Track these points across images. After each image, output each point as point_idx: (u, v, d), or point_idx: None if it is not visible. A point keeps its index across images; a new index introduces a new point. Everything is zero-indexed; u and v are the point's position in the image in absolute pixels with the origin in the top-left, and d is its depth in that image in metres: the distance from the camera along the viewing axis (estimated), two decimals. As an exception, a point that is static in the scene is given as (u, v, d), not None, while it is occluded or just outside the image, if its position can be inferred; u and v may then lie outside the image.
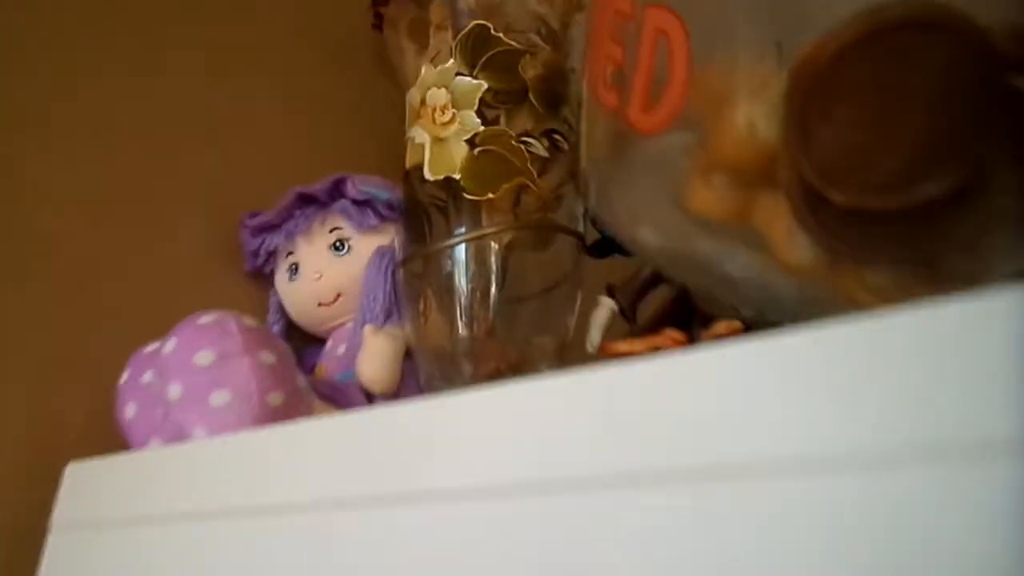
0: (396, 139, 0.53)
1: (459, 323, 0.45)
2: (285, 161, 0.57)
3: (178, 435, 0.36)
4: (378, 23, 0.63)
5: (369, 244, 0.49)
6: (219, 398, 0.34)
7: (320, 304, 0.49)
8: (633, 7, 0.20)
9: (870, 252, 0.21)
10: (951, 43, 0.20)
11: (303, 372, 0.40)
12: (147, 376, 0.39)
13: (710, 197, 0.20)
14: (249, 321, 0.37)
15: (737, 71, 0.21)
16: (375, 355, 0.43)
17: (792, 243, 0.20)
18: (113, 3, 0.51)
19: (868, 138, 0.20)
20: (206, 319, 0.36)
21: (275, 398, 0.36)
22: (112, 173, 0.49)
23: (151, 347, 0.41)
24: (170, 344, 0.36)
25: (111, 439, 0.40)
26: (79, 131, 0.48)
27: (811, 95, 0.20)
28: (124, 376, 0.40)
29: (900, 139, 0.20)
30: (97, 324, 0.46)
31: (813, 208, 0.21)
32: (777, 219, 0.21)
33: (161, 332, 0.42)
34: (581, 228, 0.48)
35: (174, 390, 0.35)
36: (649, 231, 0.23)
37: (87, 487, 0.38)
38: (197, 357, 0.35)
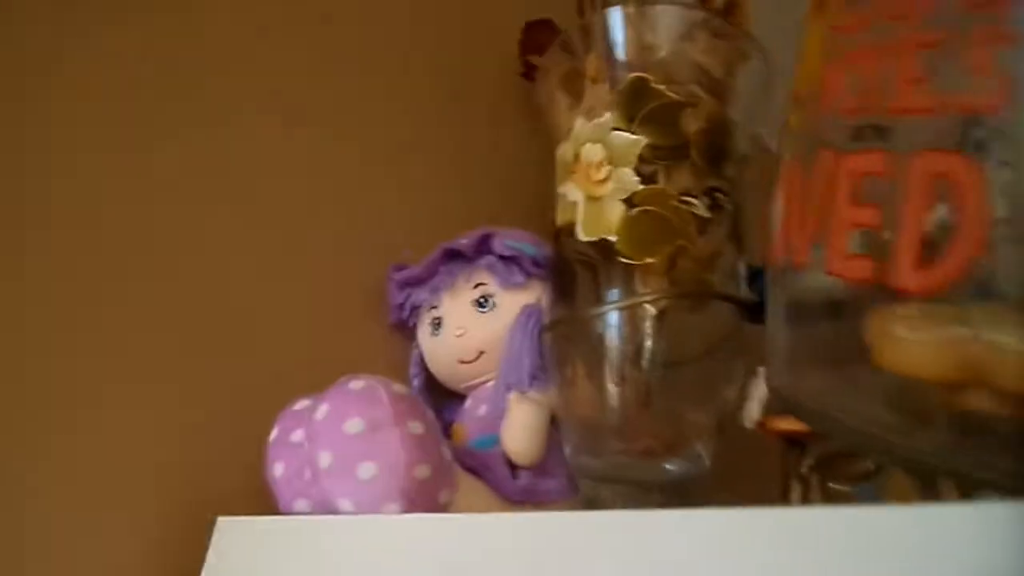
0: (541, 191, 0.51)
1: (609, 393, 0.42)
2: (431, 214, 0.57)
3: (324, 502, 0.35)
4: (527, 72, 0.63)
5: (514, 301, 0.48)
6: (367, 471, 0.33)
7: (461, 361, 0.48)
8: (889, 162, 0.18)
9: None
10: None
11: (443, 433, 0.38)
12: (296, 436, 0.38)
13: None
14: (399, 388, 0.36)
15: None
16: (521, 426, 0.41)
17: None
18: (255, 60, 0.53)
19: None
20: (357, 385, 0.35)
21: (422, 471, 0.34)
22: (266, 225, 0.51)
23: (300, 405, 0.40)
24: (321, 410, 0.35)
25: (262, 495, 0.40)
26: (239, 193, 0.50)
27: None
28: (274, 433, 0.40)
29: None
30: (249, 376, 0.47)
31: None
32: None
33: (309, 384, 0.42)
34: (741, 291, 0.44)
35: (324, 458, 0.34)
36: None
37: (237, 544, 0.38)
38: (347, 425, 0.34)
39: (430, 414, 0.36)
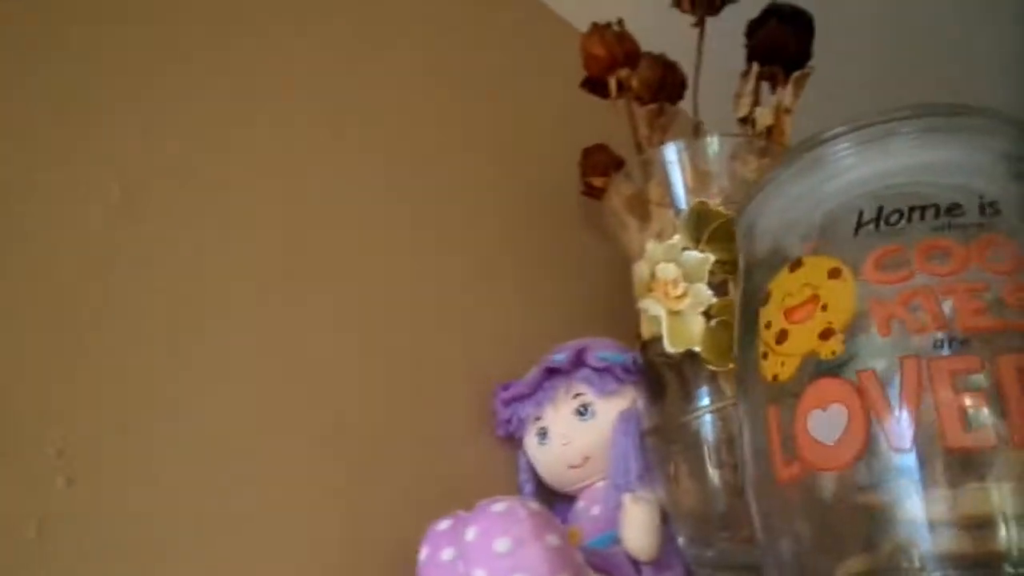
0: (617, 299, 0.57)
1: (711, 487, 0.47)
2: (521, 331, 0.64)
3: (481, 614, 0.40)
4: (589, 192, 0.70)
5: (610, 407, 0.53)
6: (519, 583, 0.39)
7: (570, 467, 0.53)
8: (980, 359, 0.24)
9: None
10: None
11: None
12: (446, 554, 0.44)
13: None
14: (534, 506, 0.42)
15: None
16: (639, 524, 0.46)
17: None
18: (360, 204, 0.60)
19: None
20: (499, 507, 0.41)
21: (564, 578, 0.39)
22: (389, 357, 0.57)
23: (443, 525, 0.46)
24: (471, 531, 0.41)
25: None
26: (351, 315, 0.56)
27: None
28: (424, 553, 0.45)
29: None
30: (379, 495, 0.53)
31: None
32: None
33: (436, 500, 0.47)
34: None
35: (479, 575, 0.39)
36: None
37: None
38: (496, 544, 0.39)
39: (562, 526, 0.42)
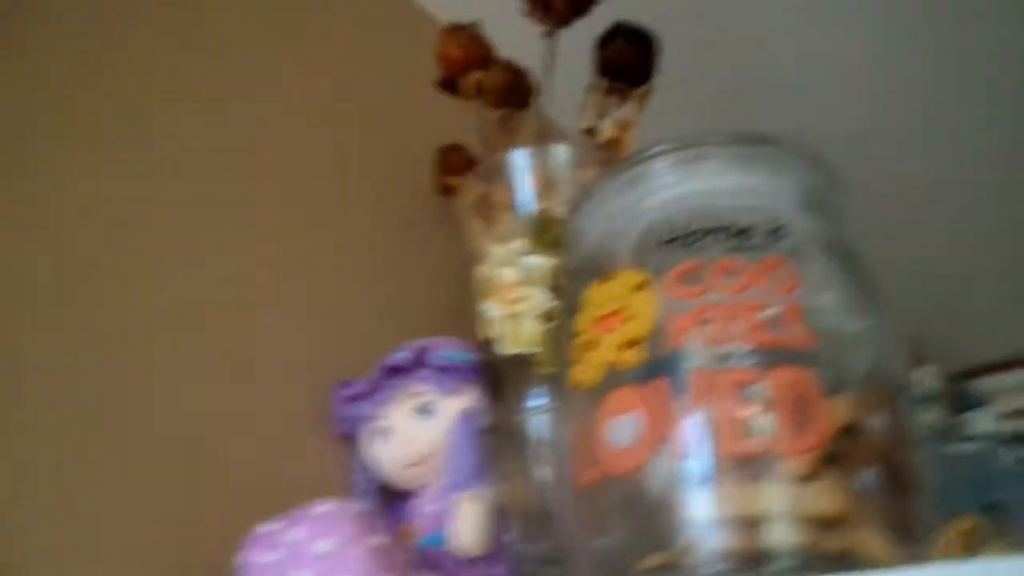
0: (468, 297, 0.58)
1: (539, 485, 0.49)
2: (366, 329, 0.63)
3: (301, 617, 0.40)
4: (443, 190, 0.70)
5: (451, 406, 0.54)
6: (340, 585, 0.38)
7: (408, 466, 0.54)
8: (757, 372, 0.27)
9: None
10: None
11: (396, 534, 0.43)
12: (269, 557, 0.43)
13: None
14: (359, 507, 0.41)
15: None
16: (468, 522, 0.47)
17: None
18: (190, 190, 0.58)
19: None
20: (322, 509, 0.40)
21: (386, 578, 0.39)
22: (218, 348, 0.55)
23: (267, 528, 0.45)
24: (293, 534, 0.40)
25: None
26: (185, 321, 0.54)
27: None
28: (243, 557, 0.44)
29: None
30: (205, 496, 0.51)
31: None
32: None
33: (264, 502, 0.46)
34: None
35: (300, 579, 0.39)
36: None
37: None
38: (318, 547, 0.39)
39: (389, 527, 0.42)
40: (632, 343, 0.31)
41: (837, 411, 0.29)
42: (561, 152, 0.55)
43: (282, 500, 0.47)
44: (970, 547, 0.39)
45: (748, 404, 0.28)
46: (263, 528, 0.45)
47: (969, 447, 0.50)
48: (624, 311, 0.32)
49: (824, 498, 0.27)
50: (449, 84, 0.60)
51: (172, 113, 0.58)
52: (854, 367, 0.31)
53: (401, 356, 0.55)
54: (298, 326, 0.60)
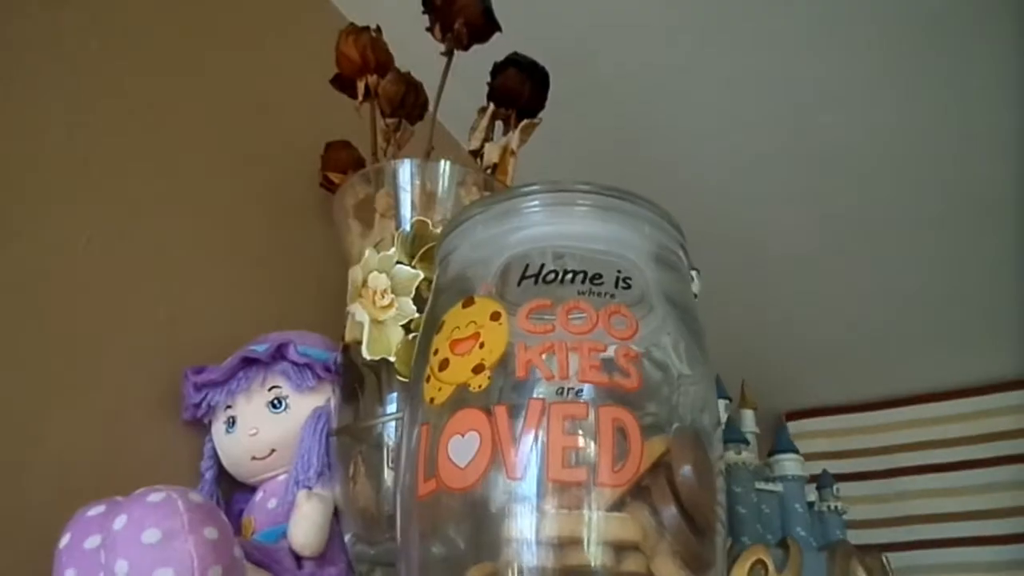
0: (338, 293, 0.58)
1: (384, 489, 0.50)
2: (229, 316, 0.62)
3: (119, 606, 0.39)
4: (326, 184, 0.70)
5: (306, 403, 0.54)
6: (162, 574, 0.38)
7: (254, 457, 0.53)
8: (587, 408, 0.30)
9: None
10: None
11: (234, 524, 0.43)
12: (91, 542, 0.41)
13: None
14: (195, 497, 0.41)
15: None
16: (307, 521, 0.47)
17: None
18: (70, 158, 0.55)
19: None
20: (155, 497, 0.40)
21: (215, 571, 0.39)
22: (60, 322, 0.53)
23: (93, 511, 0.43)
24: (120, 520, 0.39)
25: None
26: (32, 291, 0.52)
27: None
28: (65, 539, 0.42)
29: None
30: (38, 475, 0.49)
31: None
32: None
33: (101, 485, 0.45)
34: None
35: (121, 566, 0.38)
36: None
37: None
38: (145, 535, 0.38)
39: (223, 519, 0.42)
40: (481, 368, 0.33)
41: (653, 449, 0.33)
42: (445, 169, 0.56)
43: (121, 484, 0.46)
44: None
45: (575, 436, 0.31)
46: (89, 511, 0.43)
47: (775, 486, 0.56)
48: (478, 337, 0.34)
49: (627, 527, 0.31)
50: (345, 83, 0.61)
51: (64, 85, 0.55)
52: (678, 410, 0.35)
53: (260, 348, 0.54)
54: (154, 306, 0.58)
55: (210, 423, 0.56)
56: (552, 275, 0.35)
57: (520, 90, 0.58)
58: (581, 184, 0.38)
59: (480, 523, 0.32)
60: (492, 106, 0.59)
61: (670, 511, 0.31)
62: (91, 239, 0.55)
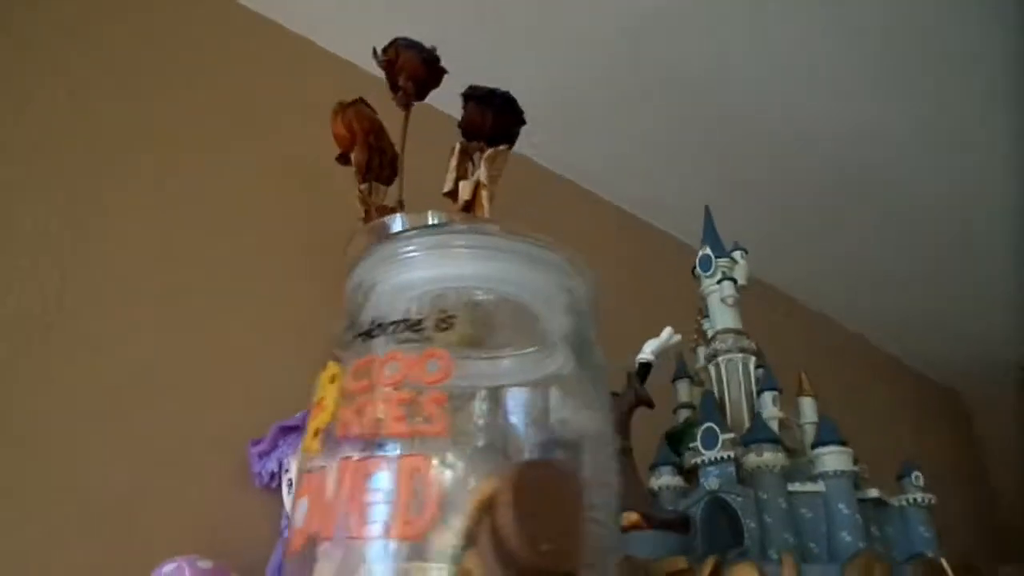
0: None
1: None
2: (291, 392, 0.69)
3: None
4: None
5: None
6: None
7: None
8: (386, 461, 0.32)
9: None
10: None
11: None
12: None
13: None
14: (203, 564, 0.47)
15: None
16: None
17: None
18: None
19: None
20: (167, 568, 0.47)
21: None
22: (156, 417, 0.63)
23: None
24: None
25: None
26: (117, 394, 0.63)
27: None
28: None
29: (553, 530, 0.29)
30: (142, 538, 0.59)
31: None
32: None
33: (201, 549, 0.53)
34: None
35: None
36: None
37: None
38: (159, 598, 0.45)
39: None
40: (317, 432, 0.35)
41: (482, 491, 0.32)
42: (427, 219, 0.58)
43: (209, 546, 0.55)
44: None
45: (374, 492, 0.31)
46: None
47: (817, 486, 0.48)
48: (322, 401, 0.36)
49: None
50: (346, 159, 0.66)
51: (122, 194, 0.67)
52: (516, 440, 0.33)
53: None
54: (228, 391, 0.68)
55: (278, 486, 0.63)
56: (374, 329, 0.35)
57: (481, 122, 0.59)
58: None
59: None
60: (458, 145, 0.59)
61: (490, 558, 0.30)
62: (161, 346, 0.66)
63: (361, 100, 0.65)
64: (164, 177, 0.71)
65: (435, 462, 0.31)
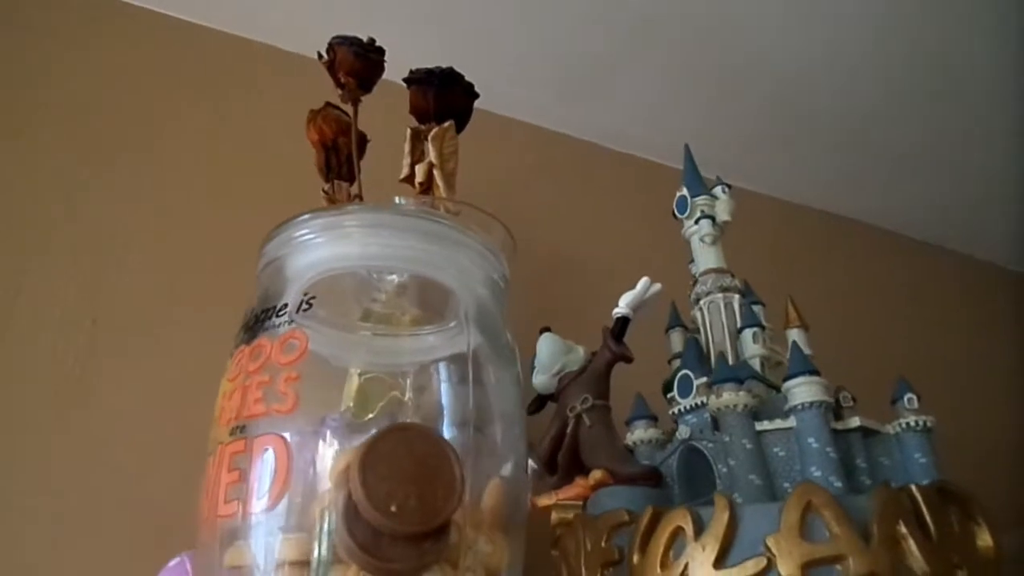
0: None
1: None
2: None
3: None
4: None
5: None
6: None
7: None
8: (245, 443, 0.33)
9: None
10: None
11: None
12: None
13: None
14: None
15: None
16: None
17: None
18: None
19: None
20: (172, 563, 0.51)
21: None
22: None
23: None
24: (157, 582, 0.51)
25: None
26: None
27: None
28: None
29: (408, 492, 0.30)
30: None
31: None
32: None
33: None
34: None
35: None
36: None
37: None
38: (164, 588, 0.50)
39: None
40: (219, 419, 0.37)
41: (342, 461, 0.33)
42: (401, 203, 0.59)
43: None
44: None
45: (235, 471, 0.33)
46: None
47: (789, 421, 0.44)
48: (225, 392, 0.38)
49: (296, 547, 0.31)
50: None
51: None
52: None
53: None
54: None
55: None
56: (253, 319, 0.37)
57: (424, 103, 0.59)
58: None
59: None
60: (409, 130, 0.60)
61: (344, 523, 0.31)
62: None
63: (328, 104, 0.67)
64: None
65: (287, 437, 0.33)
